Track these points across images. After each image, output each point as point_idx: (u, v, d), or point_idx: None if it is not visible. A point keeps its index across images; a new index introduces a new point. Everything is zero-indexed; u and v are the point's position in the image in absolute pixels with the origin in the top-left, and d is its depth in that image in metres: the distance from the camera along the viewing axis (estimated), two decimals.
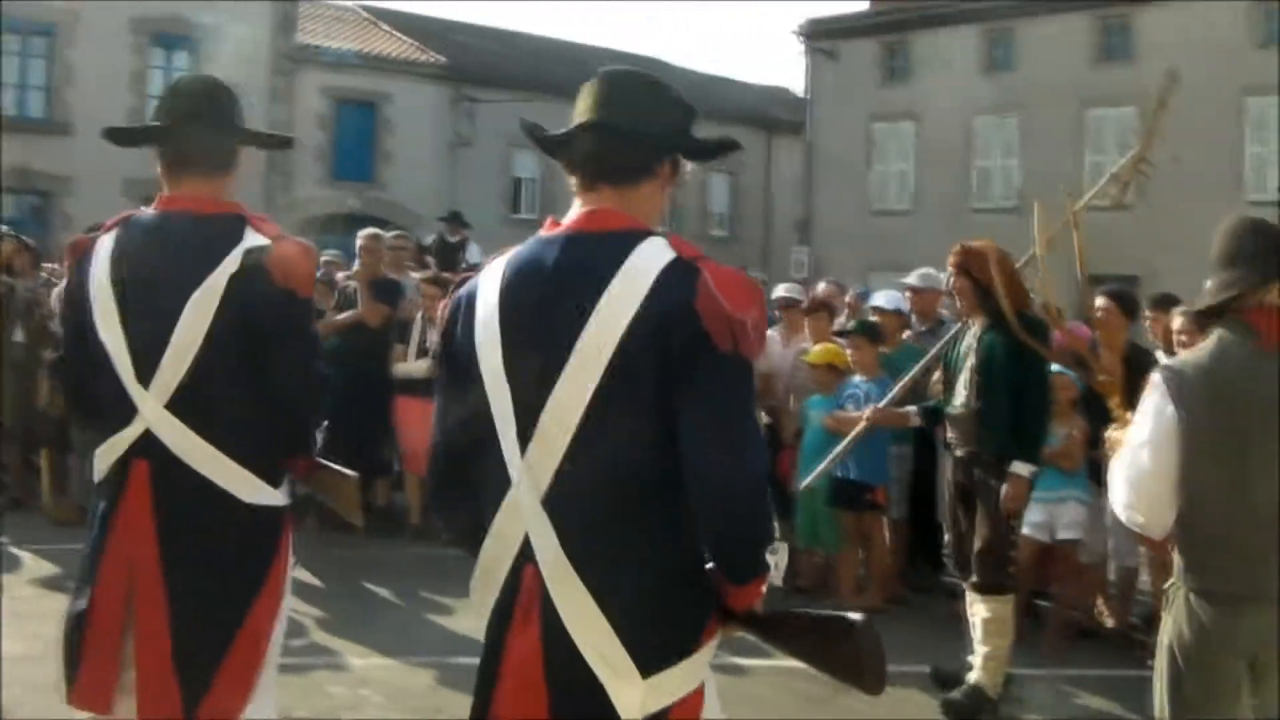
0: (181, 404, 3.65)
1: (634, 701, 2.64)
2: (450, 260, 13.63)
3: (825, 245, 35.11)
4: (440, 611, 8.23)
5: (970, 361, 6.85)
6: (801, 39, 38.54)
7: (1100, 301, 8.35)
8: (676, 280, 2.63)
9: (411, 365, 10.44)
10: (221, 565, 3.68)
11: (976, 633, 6.75)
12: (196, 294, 3.64)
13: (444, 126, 35.03)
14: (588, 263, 2.70)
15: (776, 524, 2.96)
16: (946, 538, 7.73)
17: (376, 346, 10.66)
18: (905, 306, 9.84)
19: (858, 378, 8.86)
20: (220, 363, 3.66)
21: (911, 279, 9.85)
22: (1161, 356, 7.56)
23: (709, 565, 2.75)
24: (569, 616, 2.64)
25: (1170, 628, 3.82)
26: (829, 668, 2.80)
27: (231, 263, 3.68)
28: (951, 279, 7.03)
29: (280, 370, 3.74)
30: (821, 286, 11.75)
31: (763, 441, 2.87)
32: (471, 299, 2.85)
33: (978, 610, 6.73)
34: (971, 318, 7.00)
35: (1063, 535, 8.08)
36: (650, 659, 2.65)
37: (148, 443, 3.66)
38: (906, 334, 9.59)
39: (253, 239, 3.75)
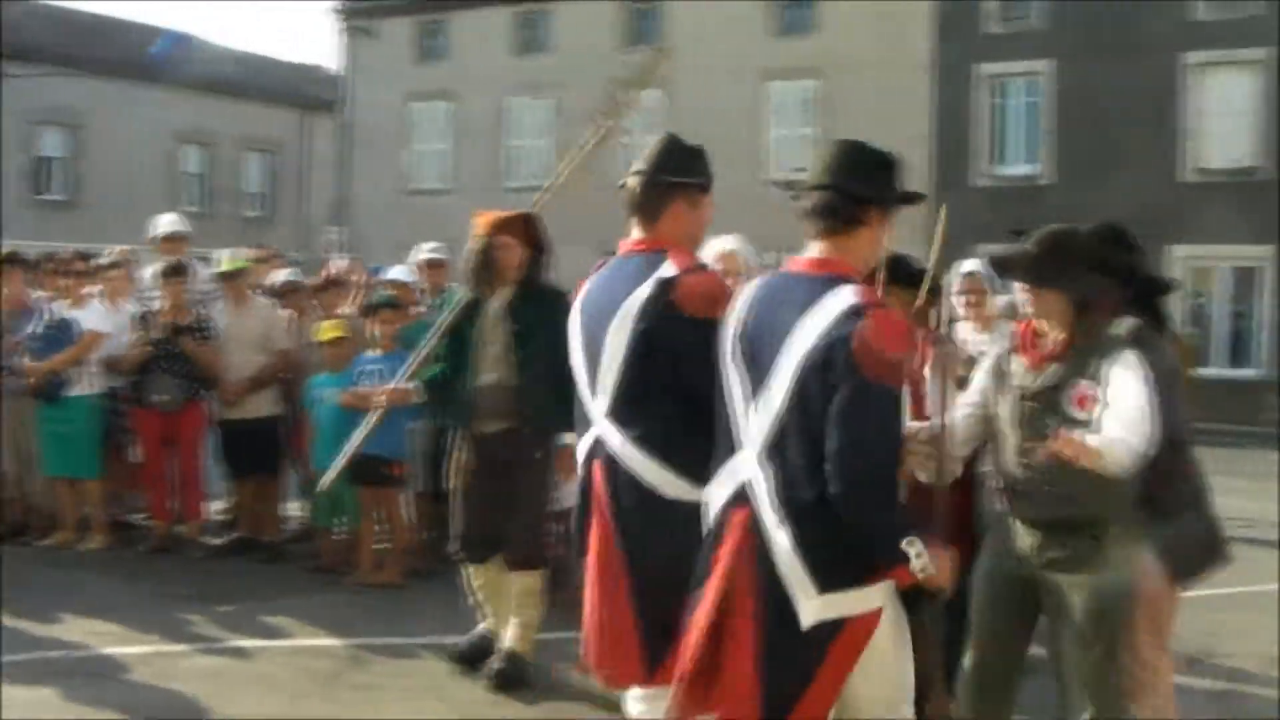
0: None
1: (813, 610, 3.63)
2: None
3: (363, 224, 34.74)
4: None
5: (502, 334, 6.62)
6: (340, 16, 37.92)
7: None
8: (848, 320, 3.56)
9: None
10: None
11: (512, 605, 6.70)
12: None
13: None
14: (799, 297, 3.72)
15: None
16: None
17: None
18: (416, 279, 9.84)
19: (369, 353, 8.78)
20: None
21: (424, 254, 9.98)
22: None
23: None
24: (774, 544, 3.66)
25: None
26: None
27: None
28: (483, 251, 6.69)
29: None
30: (336, 264, 11.50)
31: (891, 461, 3.66)
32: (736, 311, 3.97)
33: (512, 584, 6.69)
34: (494, 289, 6.71)
35: None
36: (828, 581, 3.62)
37: None
38: (416, 309, 9.41)
39: None
